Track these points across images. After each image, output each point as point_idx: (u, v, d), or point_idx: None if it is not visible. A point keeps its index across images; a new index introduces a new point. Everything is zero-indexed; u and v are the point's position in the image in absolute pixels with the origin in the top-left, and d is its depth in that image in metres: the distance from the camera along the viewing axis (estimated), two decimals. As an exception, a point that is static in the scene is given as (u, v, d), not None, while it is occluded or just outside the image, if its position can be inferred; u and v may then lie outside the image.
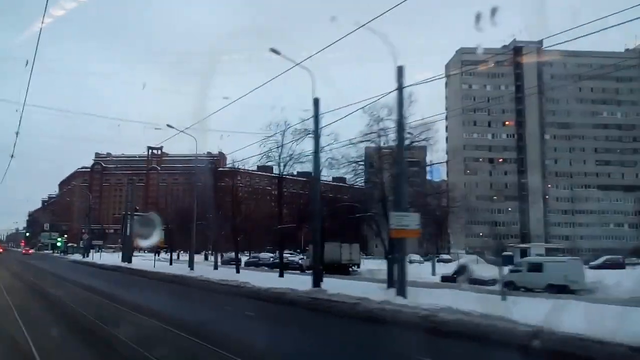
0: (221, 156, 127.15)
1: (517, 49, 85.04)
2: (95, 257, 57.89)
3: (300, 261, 40.50)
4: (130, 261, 45.41)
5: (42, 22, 11.35)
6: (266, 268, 41.63)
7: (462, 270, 29.69)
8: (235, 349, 8.72)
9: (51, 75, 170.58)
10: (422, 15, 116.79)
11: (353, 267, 37.01)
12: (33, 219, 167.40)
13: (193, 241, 34.61)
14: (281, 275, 28.88)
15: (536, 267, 23.56)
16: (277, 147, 29.70)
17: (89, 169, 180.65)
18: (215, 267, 37.28)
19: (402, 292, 15.67)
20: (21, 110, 19.53)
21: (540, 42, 76.24)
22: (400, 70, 16.43)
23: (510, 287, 23.43)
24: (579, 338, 10.09)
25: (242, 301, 18.12)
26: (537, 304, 15.33)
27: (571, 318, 11.58)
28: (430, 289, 20.96)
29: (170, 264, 44.56)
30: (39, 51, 12.68)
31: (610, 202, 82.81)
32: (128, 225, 46.76)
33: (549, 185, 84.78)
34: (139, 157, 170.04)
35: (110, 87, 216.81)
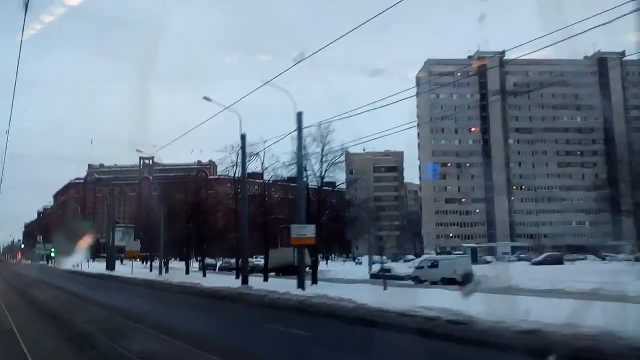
0: (211, 164, 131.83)
1: (481, 59, 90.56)
2: (84, 266, 62.64)
3: (263, 265, 45.21)
4: (113, 269, 50.16)
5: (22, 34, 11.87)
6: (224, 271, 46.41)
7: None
8: (149, 323, 13.59)
9: (42, 85, 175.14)
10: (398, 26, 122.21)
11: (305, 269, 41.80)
12: (29, 231, 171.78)
13: (161, 249, 39.44)
14: (237, 277, 33.59)
15: (434, 264, 28.60)
16: (232, 166, 34.97)
17: (82, 180, 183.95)
18: (187, 272, 42.06)
19: (301, 285, 20.60)
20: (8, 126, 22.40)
21: (503, 52, 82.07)
22: (299, 116, 21.37)
23: (416, 280, 28.51)
24: (385, 310, 15.00)
25: (184, 297, 22.98)
26: (400, 292, 20.26)
27: (406, 300, 16.46)
28: (344, 284, 26.06)
29: (151, 270, 49.23)
30: (27, 63, 15.48)
31: (572, 202, 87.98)
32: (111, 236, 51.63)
33: (514, 187, 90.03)
34: (131, 167, 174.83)
35: (98, 97, 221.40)
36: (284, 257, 40.81)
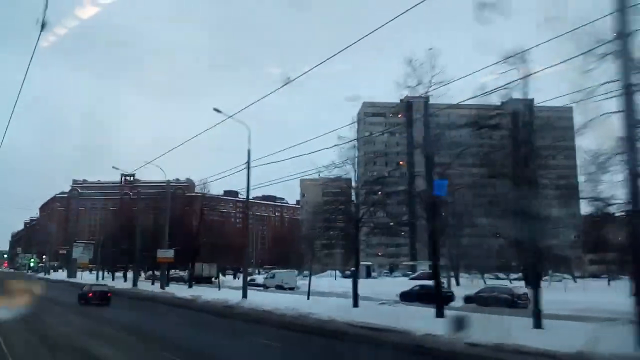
0: (189, 182, 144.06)
1: (409, 103, 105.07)
2: (53, 275, 75.78)
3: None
4: (74, 276, 63.11)
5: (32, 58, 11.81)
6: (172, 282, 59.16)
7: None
8: (56, 301, 26.95)
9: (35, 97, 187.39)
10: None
11: (213, 279, 54.62)
12: (15, 240, 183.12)
13: (99, 260, 52.58)
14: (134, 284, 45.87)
15: (272, 276, 42.14)
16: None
17: (66, 194, 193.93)
18: (125, 280, 55.10)
19: (162, 288, 34.02)
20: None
21: (427, 97, 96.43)
22: (168, 183, 34.80)
23: (264, 287, 41.93)
24: (185, 298, 28.38)
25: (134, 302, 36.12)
26: (226, 292, 33.40)
27: (205, 294, 29.79)
28: (211, 288, 39.29)
29: (102, 278, 62.15)
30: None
31: (489, 227, 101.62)
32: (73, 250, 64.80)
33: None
34: (113, 183, 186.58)
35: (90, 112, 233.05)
36: (198, 269, 53.93)
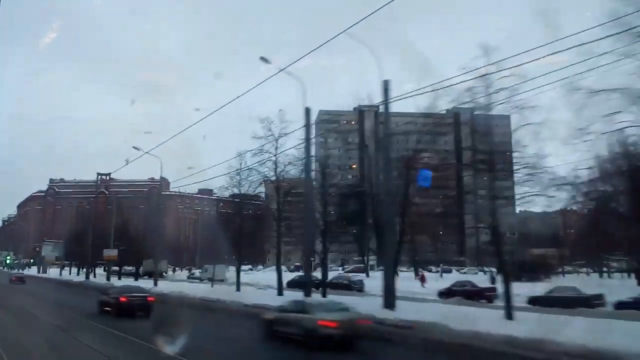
0: (163, 181, 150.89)
1: (360, 112, 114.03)
2: (27, 271, 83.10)
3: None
4: (45, 272, 70.61)
5: None
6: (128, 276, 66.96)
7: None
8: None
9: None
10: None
11: (163, 274, 62.69)
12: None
13: (63, 257, 60.22)
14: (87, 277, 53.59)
15: (205, 270, 50.34)
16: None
17: (43, 193, 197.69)
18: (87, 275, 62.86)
19: (108, 279, 42.00)
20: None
21: (377, 106, 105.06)
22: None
23: (200, 279, 50.15)
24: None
25: (49, 283, 44.02)
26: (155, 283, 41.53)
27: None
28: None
29: (69, 273, 69.61)
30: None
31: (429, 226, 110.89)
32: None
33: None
34: (89, 182, 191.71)
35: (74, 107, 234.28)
36: (149, 265, 61.75)
